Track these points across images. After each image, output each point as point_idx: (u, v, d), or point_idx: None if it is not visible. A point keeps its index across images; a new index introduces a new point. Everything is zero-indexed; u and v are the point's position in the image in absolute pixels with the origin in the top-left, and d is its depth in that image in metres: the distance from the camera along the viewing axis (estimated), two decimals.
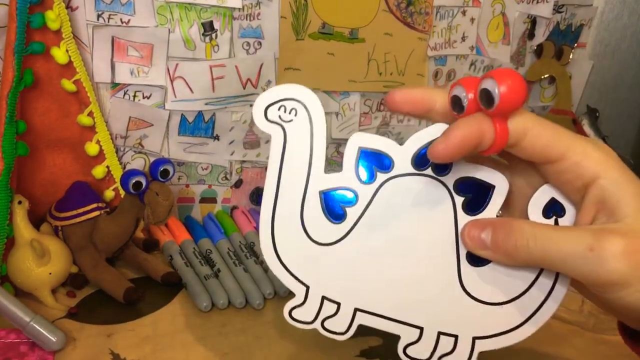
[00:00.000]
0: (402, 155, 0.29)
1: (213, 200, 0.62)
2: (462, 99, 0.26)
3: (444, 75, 0.68)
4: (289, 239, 0.31)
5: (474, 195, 0.29)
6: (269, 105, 0.30)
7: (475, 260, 0.29)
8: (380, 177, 0.30)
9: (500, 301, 0.30)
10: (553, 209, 0.29)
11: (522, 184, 0.30)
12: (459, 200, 0.29)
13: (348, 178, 0.30)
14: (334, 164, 0.66)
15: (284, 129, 0.30)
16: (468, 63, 0.68)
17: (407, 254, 0.30)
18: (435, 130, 0.28)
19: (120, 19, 0.51)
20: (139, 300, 0.47)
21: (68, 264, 0.47)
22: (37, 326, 0.39)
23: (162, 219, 0.48)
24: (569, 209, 0.28)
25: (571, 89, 0.73)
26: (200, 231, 0.57)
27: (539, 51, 0.72)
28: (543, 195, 0.29)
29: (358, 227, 0.30)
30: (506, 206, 0.30)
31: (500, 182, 0.29)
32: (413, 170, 0.29)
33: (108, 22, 0.51)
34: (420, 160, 0.29)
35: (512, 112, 0.26)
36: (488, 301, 0.30)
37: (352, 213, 0.30)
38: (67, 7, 0.49)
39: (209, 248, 0.54)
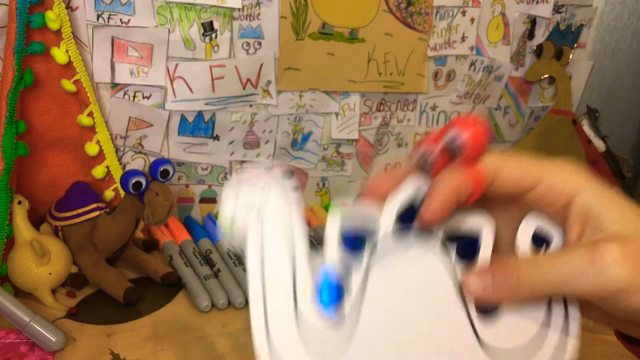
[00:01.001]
0: (384, 222, 0.27)
1: (213, 200, 0.62)
2: (428, 161, 0.27)
3: (443, 76, 0.68)
4: None
5: (464, 242, 0.29)
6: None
7: (485, 311, 0.28)
8: (367, 253, 0.27)
9: (523, 341, 0.28)
10: (542, 236, 0.28)
11: (504, 222, 0.30)
12: (452, 250, 0.28)
13: (333, 269, 0.27)
14: (333, 163, 0.67)
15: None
16: (468, 63, 0.68)
17: (420, 335, 0.27)
18: (409, 187, 0.28)
19: (120, 19, 0.51)
20: (138, 300, 0.47)
21: (68, 264, 0.47)
22: (37, 326, 0.39)
23: (162, 219, 0.48)
24: (557, 233, 0.28)
25: (571, 89, 0.73)
26: (200, 231, 0.57)
27: (538, 51, 0.72)
28: (529, 225, 0.28)
29: (361, 331, 0.27)
30: (494, 247, 0.30)
31: (484, 222, 0.28)
32: (398, 235, 0.28)
33: (108, 22, 0.51)
34: (404, 219, 0.28)
35: (480, 155, 0.26)
36: (510, 347, 0.28)
37: (349, 311, 0.27)
38: (67, 7, 0.49)
39: (208, 248, 0.54)
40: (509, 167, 0.27)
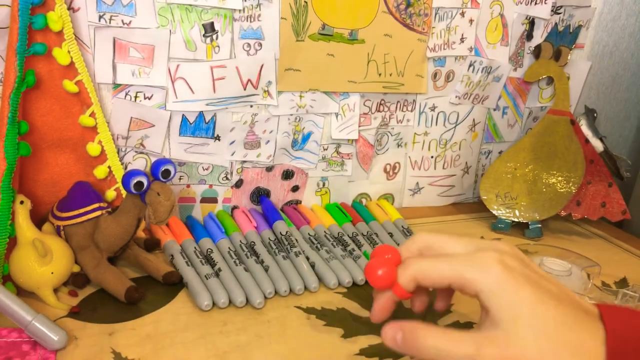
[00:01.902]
0: None
1: (214, 200, 0.63)
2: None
3: (442, 76, 0.68)
4: None
5: None
6: None
7: None
8: None
9: None
10: None
11: (443, 293, 0.39)
12: None
13: None
14: (333, 163, 0.67)
15: None
16: (467, 64, 0.68)
17: None
18: None
19: (122, 20, 0.51)
20: (140, 299, 0.47)
21: (70, 263, 0.48)
22: (39, 325, 0.39)
23: (164, 218, 0.48)
24: None
25: (569, 90, 0.74)
26: (201, 231, 0.57)
27: (537, 52, 0.72)
28: None
29: None
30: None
31: None
32: None
33: (109, 23, 0.51)
34: None
35: (388, 283, 0.35)
36: None
37: None
38: (69, 8, 0.49)
39: (209, 247, 0.54)
40: (422, 275, 0.34)
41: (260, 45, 0.57)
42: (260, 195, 0.65)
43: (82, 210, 0.50)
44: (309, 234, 0.59)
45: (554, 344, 0.29)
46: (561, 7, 0.71)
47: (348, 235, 0.60)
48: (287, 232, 0.58)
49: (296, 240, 0.57)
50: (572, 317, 0.30)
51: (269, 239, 0.57)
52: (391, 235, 0.62)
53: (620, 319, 0.30)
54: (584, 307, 0.31)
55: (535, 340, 0.29)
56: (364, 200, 0.71)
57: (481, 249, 0.33)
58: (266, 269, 0.52)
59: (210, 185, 0.62)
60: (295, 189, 0.66)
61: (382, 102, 0.66)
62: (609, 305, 0.32)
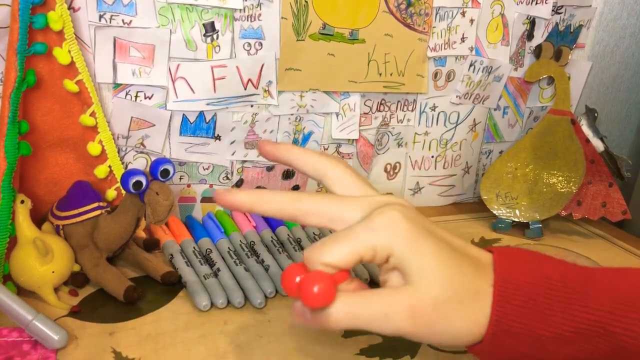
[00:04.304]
0: None
1: (214, 199, 0.63)
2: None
3: (443, 76, 0.68)
4: None
5: None
6: None
7: None
8: None
9: None
10: None
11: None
12: None
13: None
14: None
15: None
16: (467, 64, 0.68)
17: None
18: None
19: (122, 20, 0.51)
20: (139, 299, 0.47)
21: (71, 263, 0.48)
22: (39, 324, 0.39)
23: (162, 218, 0.48)
24: None
25: (570, 90, 0.74)
26: (201, 231, 0.57)
27: (537, 52, 0.72)
28: None
29: None
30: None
31: None
32: None
33: (110, 23, 0.51)
34: None
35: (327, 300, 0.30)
36: None
37: None
38: (69, 7, 0.49)
39: (208, 247, 0.54)
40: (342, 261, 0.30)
41: (261, 44, 0.57)
42: None
43: (81, 210, 0.50)
44: (314, 233, 0.59)
45: (456, 290, 0.30)
46: (562, 7, 0.71)
47: None
48: (288, 236, 0.58)
49: (299, 239, 0.57)
50: (467, 263, 0.31)
51: (269, 238, 0.57)
52: None
53: (509, 264, 0.32)
54: (474, 254, 0.32)
55: (441, 287, 0.30)
56: None
57: (378, 206, 0.31)
58: (266, 269, 0.52)
59: (211, 185, 0.62)
60: (295, 188, 0.66)
61: (383, 101, 0.66)
62: (501, 248, 0.33)
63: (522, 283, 0.31)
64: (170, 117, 0.56)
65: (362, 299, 0.31)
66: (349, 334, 0.46)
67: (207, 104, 0.57)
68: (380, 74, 0.64)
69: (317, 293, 0.29)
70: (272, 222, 0.61)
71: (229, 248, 0.54)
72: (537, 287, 0.31)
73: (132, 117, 0.55)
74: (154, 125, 0.56)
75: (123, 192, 0.54)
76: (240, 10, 0.55)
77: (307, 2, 0.57)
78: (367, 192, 0.34)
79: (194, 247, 0.54)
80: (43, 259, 0.45)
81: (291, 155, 0.36)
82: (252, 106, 0.59)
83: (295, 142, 0.63)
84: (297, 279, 0.31)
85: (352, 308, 0.30)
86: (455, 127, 0.72)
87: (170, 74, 0.55)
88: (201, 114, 0.57)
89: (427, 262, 0.30)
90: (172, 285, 0.50)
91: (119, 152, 0.56)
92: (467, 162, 0.75)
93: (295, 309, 0.32)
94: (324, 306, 0.30)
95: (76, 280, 0.49)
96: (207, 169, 0.61)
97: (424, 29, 0.64)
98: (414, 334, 0.30)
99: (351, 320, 0.30)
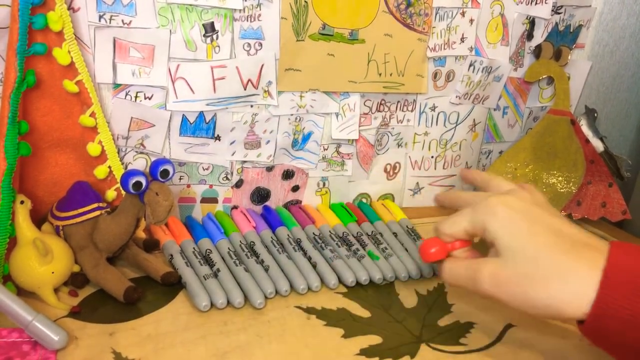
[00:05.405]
0: None
1: (214, 200, 0.63)
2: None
3: (443, 76, 0.68)
4: None
5: None
6: None
7: None
8: None
9: None
10: None
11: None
12: None
13: None
14: (333, 163, 0.67)
15: None
16: (467, 64, 0.68)
17: None
18: None
19: (122, 20, 0.51)
20: (139, 299, 0.47)
21: (70, 263, 0.48)
22: (39, 325, 0.39)
23: (162, 218, 0.48)
24: None
25: (569, 90, 0.74)
26: (201, 231, 0.57)
27: (537, 52, 0.72)
28: None
29: None
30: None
31: None
32: None
33: (110, 23, 0.51)
34: None
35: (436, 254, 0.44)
36: None
37: None
38: (69, 8, 0.49)
39: (208, 248, 0.54)
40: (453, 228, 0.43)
41: (261, 45, 0.57)
42: (260, 196, 0.65)
43: (81, 210, 0.50)
44: (313, 233, 0.59)
45: (541, 269, 0.35)
46: (562, 7, 0.71)
47: (352, 235, 0.60)
48: (288, 236, 0.58)
49: (299, 239, 0.57)
50: (567, 247, 0.36)
51: (269, 238, 0.57)
52: (395, 235, 0.62)
53: (624, 254, 0.35)
54: (584, 242, 0.37)
55: (524, 265, 0.36)
56: (364, 201, 0.71)
57: (488, 197, 0.41)
58: (266, 269, 0.52)
59: (211, 186, 0.62)
60: (295, 189, 0.66)
61: (383, 102, 0.66)
62: (621, 243, 0.37)
63: (634, 272, 0.32)
64: (170, 118, 0.56)
65: (461, 263, 0.41)
66: (349, 334, 0.46)
67: (207, 105, 0.57)
68: (380, 74, 0.64)
69: (432, 253, 0.44)
70: (272, 223, 0.61)
71: (228, 248, 0.54)
72: None
73: (132, 118, 0.55)
74: (154, 125, 0.56)
75: (123, 192, 0.54)
76: (240, 10, 0.55)
77: (306, 2, 0.57)
78: (509, 187, 0.44)
79: (193, 248, 0.54)
80: (43, 260, 0.45)
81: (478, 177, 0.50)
82: (252, 106, 0.59)
83: (295, 142, 0.63)
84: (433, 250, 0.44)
85: (452, 269, 0.41)
86: (455, 127, 0.72)
87: (170, 74, 0.55)
88: (201, 114, 0.57)
89: (516, 241, 0.37)
90: (172, 286, 0.50)
91: (118, 153, 0.56)
92: (467, 163, 0.75)
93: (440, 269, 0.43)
94: (434, 261, 0.44)
95: (76, 280, 0.49)
96: (206, 170, 0.61)
97: (424, 29, 0.64)
98: (499, 299, 0.37)
99: (452, 277, 0.42)
